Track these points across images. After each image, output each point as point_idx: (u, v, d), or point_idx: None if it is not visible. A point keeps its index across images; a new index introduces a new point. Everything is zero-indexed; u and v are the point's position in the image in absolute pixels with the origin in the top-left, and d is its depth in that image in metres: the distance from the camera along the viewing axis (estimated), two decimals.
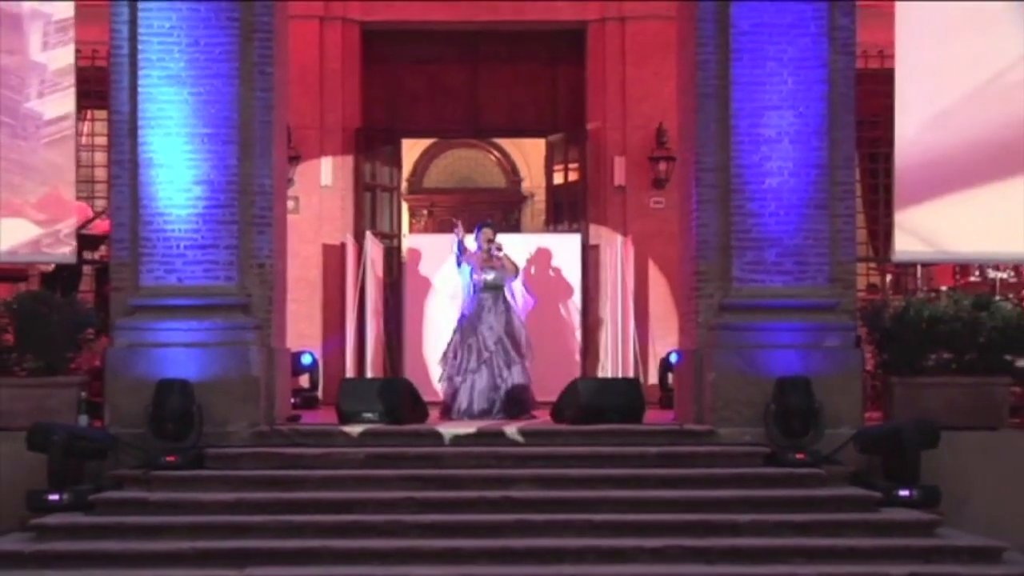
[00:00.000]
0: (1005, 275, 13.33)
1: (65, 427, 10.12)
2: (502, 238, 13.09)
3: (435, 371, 13.18)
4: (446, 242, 13.35)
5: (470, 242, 12.80)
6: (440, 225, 18.54)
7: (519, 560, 8.84)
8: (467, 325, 12.48)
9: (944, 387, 10.95)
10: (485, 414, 12.07)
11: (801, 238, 10.90)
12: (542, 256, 14.84)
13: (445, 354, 12.69)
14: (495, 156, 20.36)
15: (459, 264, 12.81)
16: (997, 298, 11.99)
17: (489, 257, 12.53)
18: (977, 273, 13.26)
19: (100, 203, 13.03)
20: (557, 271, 14.89)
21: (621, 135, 15.23)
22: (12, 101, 11.28)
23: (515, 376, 12.30)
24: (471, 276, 12.56)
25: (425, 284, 14.82)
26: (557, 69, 15.83)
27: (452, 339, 12.63)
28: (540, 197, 18.49)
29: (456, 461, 10.32)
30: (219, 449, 10.31)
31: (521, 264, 13.52)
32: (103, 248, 11.72)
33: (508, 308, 12.53)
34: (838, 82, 10.98)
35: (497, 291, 12.49)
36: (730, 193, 10.95)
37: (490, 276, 12.46)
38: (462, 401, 12.27)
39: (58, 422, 10.19)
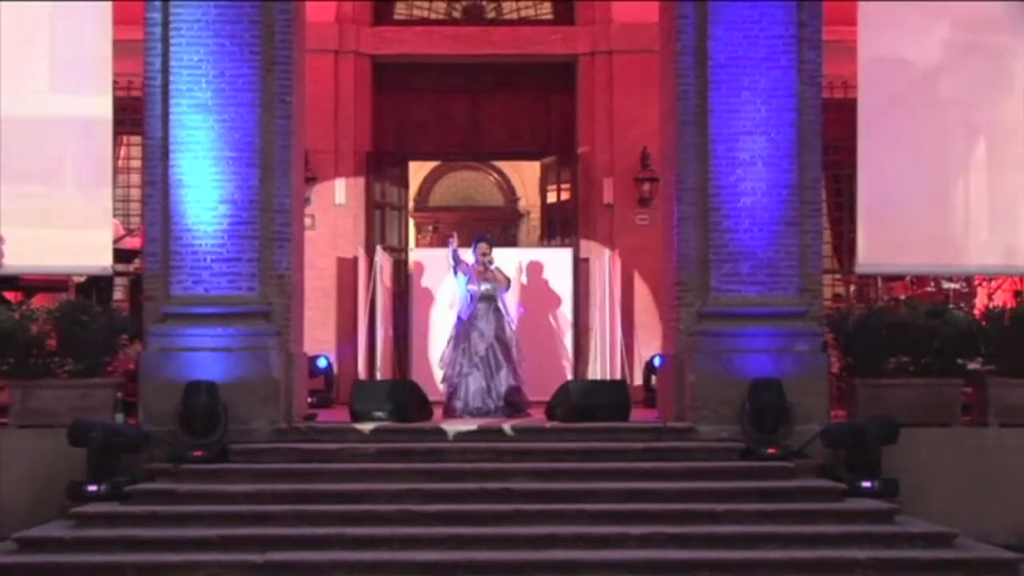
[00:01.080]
0: (957, 286, 13.27)
1: (102, 424, 10.16)
2: (501, 252, 13.15)
3: (438, 373, 13.12)
4: (446, 257, 13.27)
5: (467, 255, 12.77)
6: (444, 240, 18.53)
7: (516, 546, 8.87)
8: (462, 331, 12.47)
9: (902, 388, 10.96)
10: (482, 413, 12.05)
11: (773, 252, 10.88)
12: (537, 268, 14.83)
13: (442, 357, 12.71)
14: (494, 177, 20.34)
15: (455, 273, 12.80)
16: (950, 307, 11.97)
17: (484, 270, 12.51)
18: (932, 284, 13.23)
19: (135, 220, 13.00)
20: (550, 282, 14.84)
21: (609, 158, 15.19)
22: None
23: (504, 378, 12.27)
24: (467, 287, 12.55)
25: (430, 294, 14.77)
26: (550, 98, 15.78)
27: (448, 344, 12.63)
28: (535, 214, 18.42)
29: (458, 456, 10.35)
30: (242, 444, 10.33)
31: (512, 277, 13.47)
32: (137, 261, 11.72)
33: (500, 317, 12.50)
34: (806, 110, 10.96)
35: (490, 301, 12.46)
36: (708, 211, 10.93)
37: (485, 288, 12.45)
38: (459, 401, 12.25)
39: (96, 420, 10.21)
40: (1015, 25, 11.46)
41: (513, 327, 12.75)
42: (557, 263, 14.99)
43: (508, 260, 13.46)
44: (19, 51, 11.15)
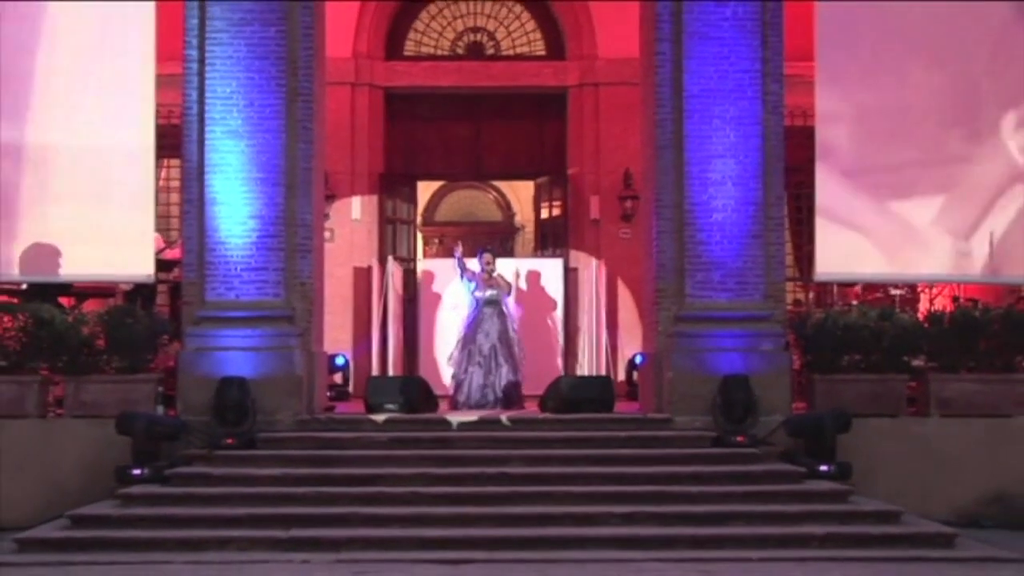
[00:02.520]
0: (902, 292, 13.23)
1: (145, 415, 10.20)
2: (500, 262, 13.14)
3: (445, 370, 13.16)
4: (452, 265, 13.32)
5: (472, 264, 12.78)
6: (448, 251, 18.48)
7: (512, 524, 8.89)
8: (468, 333, 12.48)
9: (855, 382, 10.94)
10: (483, 405, 12.04)
11: (741, 262, 10.87)
12: (534, 276, 14.85)
13: (451, 357, 12.70)
14: (493, 195, 20.26)
15: (463, 278, 12.82)
16: (897, 311, 11.95)
17: (489, 277, 12.54)
18: (881, 291, 13.19)
19: (174, 234, 13.00)
20: (544, 288, 14.87)
21: (596, 178, 15.20)
22: None
23: (505, 374, 12.27)
24: (473, 293, 12.58)
25: (436, 299, 14.80)
26: (543, 125, 15.75)
27: (456, 345, 12.64)
28: (530, 228, 18.36)
29: (461, 443, 10.35)
30: (269, 433, 10.33)
31: (511, 283, 13.47)
32: (176, 270, 11.71)
33: (503, 319, 12.50)
34: (770, 136, 10.97)
35: (495, 305, 12.48)
36: (684, 226, 10.92)
37: (489, 293, 12.48)
38: (464, 394, 12.27)
39: (140, 411, 10.25)
40: (965, 59, 11.49)
41: (516, 328, 12.75)
42: (549, 272, 15.02)
43: (506, 269, 13.48)
44: (71, 86, 11.18)
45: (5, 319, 10.80)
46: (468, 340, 12.44)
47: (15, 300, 11.43)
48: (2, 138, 11.10)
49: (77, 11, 11.18)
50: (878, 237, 11.36)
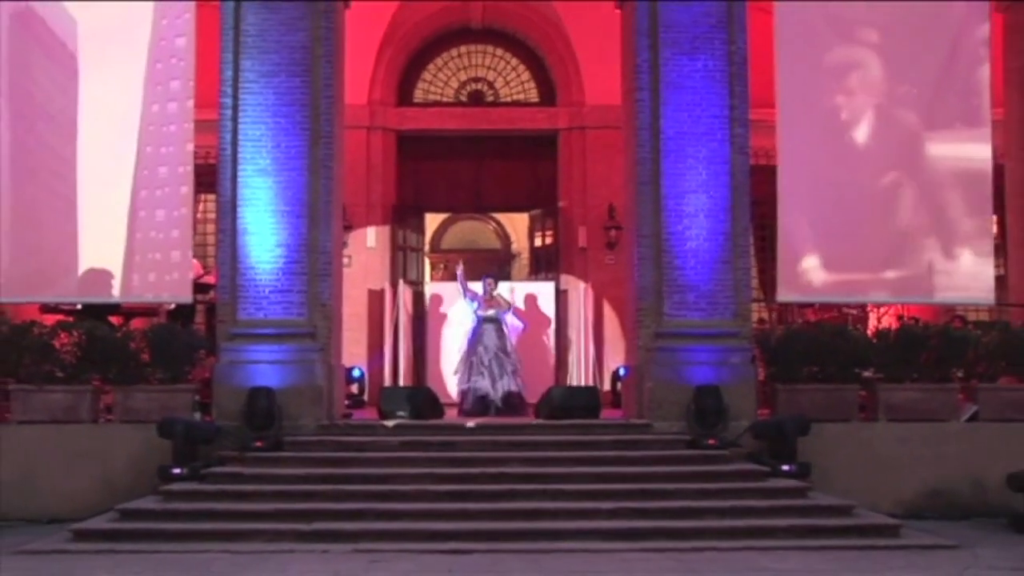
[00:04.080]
0: (854, 311, 13.23)
1: (184, 421, 10.21)
2: (500, 285, 13.22)
3: (450, 380, 13.18)
4: (456, 288, 13.33)
5: (475, 286, 12.80)
6: (453, 274, 18.36)
7: (511, 518, 8.91)
8: (470, 347, 12.50)
9: (813, 392, 10.94)
10: (484, 413, 12.02)
11: (712, 285, 10.91)
12: (531, 298, 14.86)
13: (456, 369, 12.73)
14: (493, 225, 20.21)
15: (465, 296, 12.85)
16: (849, 328, 11.99)
17: (490, 298, 12.59)
18: (836, 310, 13.16)
19: (210, 261, 12.97)
20: (540, 309, 14.88)
21: (583, 211, 15.23)
22: None
23: (505, 384, 12.24)
24: (475, 311, 12.60)
25: (442, 318, 14.79)
26: (537, 163, 15.77)
27: (461, 357, 12.65)
28: (525, 255, 18.28)
29: (465, 446, 10.32)
30: (293, 437, 10.34)
31: (510, 300, 13.52)
32: (211, 292, 11.72)
33: (502, 335, 12.51)
34: (737, 174, 11.01)
35: (495, 323, 12.51)
36: (661, 253, 10.96)
37: (489, 312, 12.53)
38: (468, 403, 12.27)
39: (179, 417, 10.26)
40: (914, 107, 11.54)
41: (514, 343, 12.73)
42: (543, 294, 15.03)
43: (504, 290, 13.54)
44: (122, 130, 11.17)
45: (63, 336, 10.83)
46: (470, 354, 12.45)
47: (71, 319, 11.46)
48: (61, 184, 11.18)
49: (129, 68, 11.26)
50: (832, 263, 11.36)
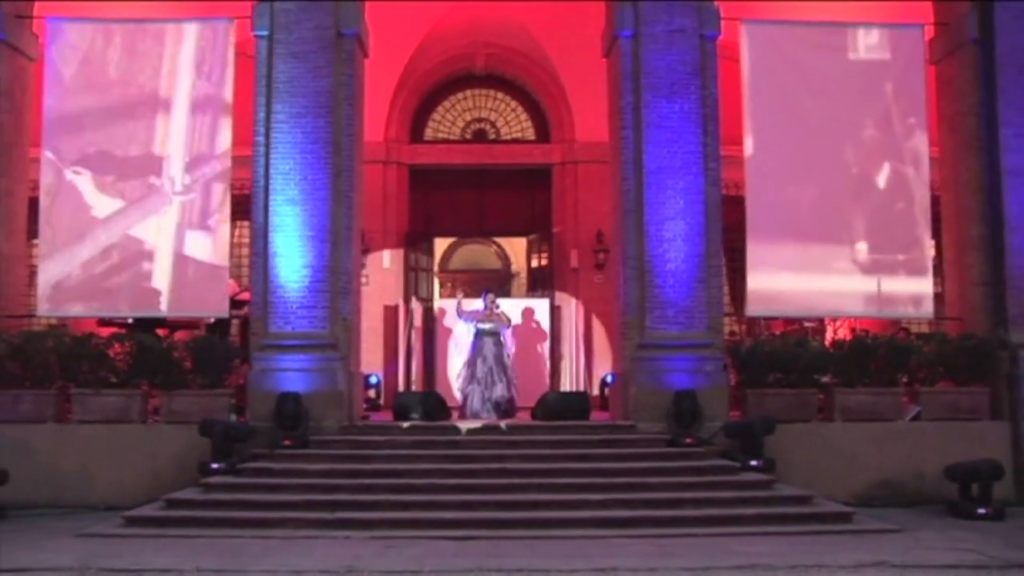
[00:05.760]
0: (813, 324, 13.28)
1: (222, 422, 10.28)
2: (503, 302, 13.17)
3: (456, 386, 13.11)
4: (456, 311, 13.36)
5: (475, 304, 12.75)
6: (460, 292, 18.32)
7: (509, 508, 8.94)
8: (471, 357, 12.46)
9: (778, 396, 10.99)
10: (483, 415, 11.96)
11: (689, 301, 10.94)
12: (529, 313, 14.90)
13: (458, 376, 12.71)
14: (494, 248, 20.03)
15: (462, 319, 12.86)
16: (809, 339, 12.04)
17: (491, 313, 12.51)
18: (798, 323, 13.19)
19: (245, 280, 12.96)
20: (537, 323, 14.91)
21: (575, 235, 15.27)
22: None
23: (500, 390, 12.16)
24: (476, 325, 12.51)
25: (448, 331, 14.75)
26: (534, 194, 15.83)
27: (463, 367, 12.63)
28: (523, 275, 18.09)
29: (469, 444, 10.38)
30: (318, 436, 10.39)
31: (514, 319, 13.50)
32: (245, 308, 11.74)
33: (500, 346, 12.42)
34: (711, 203, 11.07)
35: (493, 335, 12.44)
36: (644, 274, 11.00)
37: (487, 326, 12.43)
38: (468, 406, 12.21)
39: (217, 418, 10.34)
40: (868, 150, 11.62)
41: (510, 354, 12.69)
42: (539, 309, 15.05)
43: (505, 306, 13.55)
44: (170, 167, 11.28)
45: (117, 346, 10.91)
46: (471, 363, 12.41)
47: (124, 331, 11.53)
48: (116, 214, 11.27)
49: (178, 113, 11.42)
50: (795, 281, 11.40)
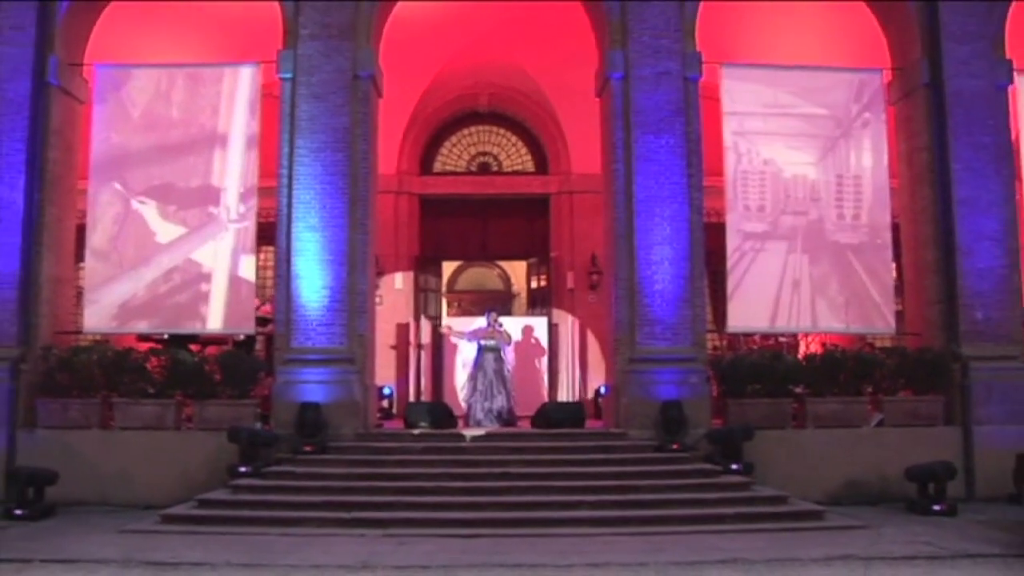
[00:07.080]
0: (787, 339, 13.29)
1: (248, 429, 10.31)
2: (506, 320, 13.23)
3: (461, 396, 13.18)
4: (465, 323, 13.38)
5: (479, 322, 12.78)
6: (463, 312, 18.54)
7: (511, 509, 8.97)
8: (473, 371, 12.49)
9: (756, 405, 11.01)
10: (485, 424, 11.95)
11: (675, 319, 10.96)
12: (529, 330, 14.92)
13: (462, 388, 12.77)
14: (497, 271, 19.92)
15: (463, 339, 12.90)
16: (784, 353, 12.03)
17: (493, 330, 12.51)
18: (774, 339, 13.21)
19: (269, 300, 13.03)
20: (537, 340, 14.93)
21: (571, 259, 15.29)
22: None
23: (500, 401, 12.18)
24: (479, 341, 12.53)
25: (454, 346, 14.73)
26: (533, 221, 15.83)
27: (467, 380, 12.66)
28: (523, 295, 18.09)
29: (474, 450, 10.41)
30: (336, 443, 10.43)
31: (515, 336, 13.51)
32: (270, 326, 11.76)
33: (500, 361, 12.42)
34: (695, 230, 11.11)
35: (495, 351, 12.44)
36: (634, 293, 11.02)
37: (489, 342, 12.44)
38: (472, 416, 12.22)
39: (244, 426, 10.38)
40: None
41: (510, 368, 12.69)
42: (538, 327, 15.08)
43: (507, 324, 13.61)
44: (202, 196, 11.34)
45: (154, 360, 10.96)
46: (473, 376, 12.42)
47: (160, 346, 11.57)
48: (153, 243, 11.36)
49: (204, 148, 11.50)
50: (771, 301, 11.45)
